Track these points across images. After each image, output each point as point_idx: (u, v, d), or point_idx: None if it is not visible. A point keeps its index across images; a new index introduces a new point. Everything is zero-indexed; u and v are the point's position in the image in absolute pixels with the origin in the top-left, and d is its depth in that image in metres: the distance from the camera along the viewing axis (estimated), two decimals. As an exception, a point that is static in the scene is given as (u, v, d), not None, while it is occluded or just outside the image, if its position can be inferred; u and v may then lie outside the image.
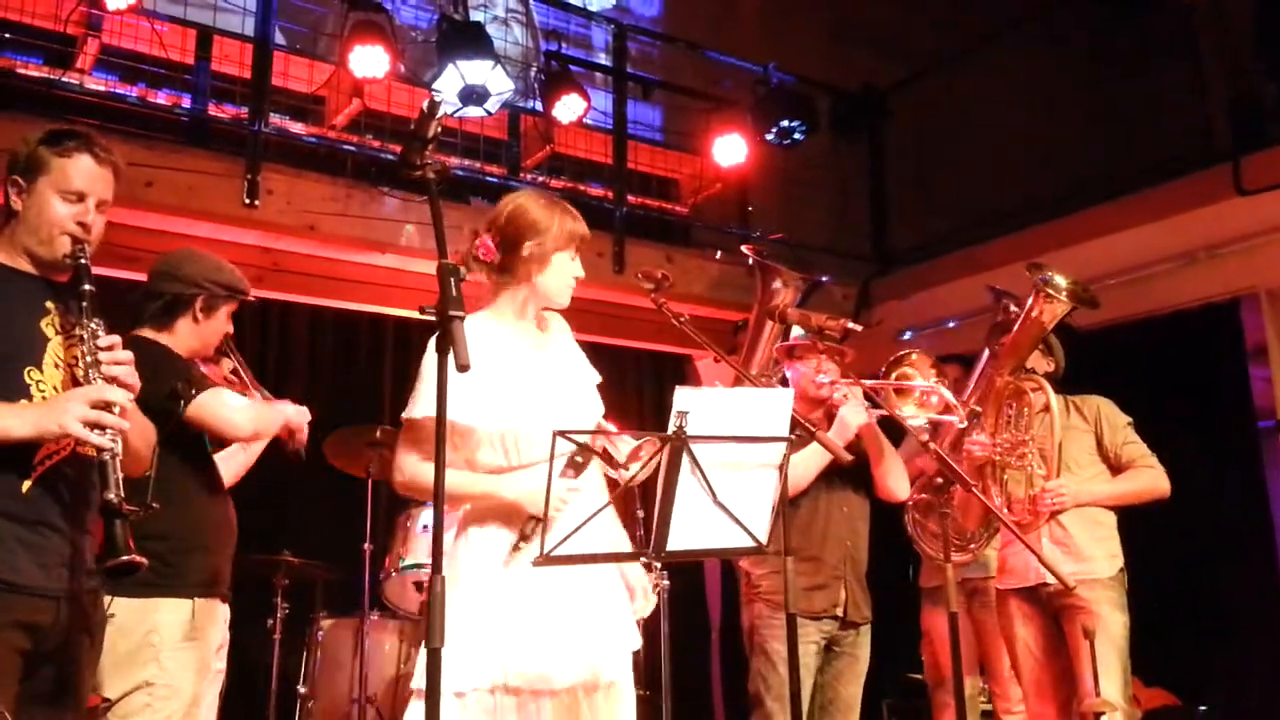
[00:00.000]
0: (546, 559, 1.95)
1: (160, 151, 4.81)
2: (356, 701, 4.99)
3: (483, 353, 2.17)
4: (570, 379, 2.58)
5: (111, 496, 2.14)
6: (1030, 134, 6.12)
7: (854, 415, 3.48)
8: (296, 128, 5.71)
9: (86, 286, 2.29)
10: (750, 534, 2.11)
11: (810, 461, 3.41)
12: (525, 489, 2.32)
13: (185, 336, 3.03)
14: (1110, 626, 3.66)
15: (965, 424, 3.86)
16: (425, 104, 1.97)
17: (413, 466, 2.45)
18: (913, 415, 3.67)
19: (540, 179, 6.46)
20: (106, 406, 2.15)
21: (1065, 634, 3.75)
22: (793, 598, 3.35)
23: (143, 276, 5.29)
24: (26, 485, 2.22)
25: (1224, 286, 5.02)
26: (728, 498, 2.07)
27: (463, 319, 1.77)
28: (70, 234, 2.31)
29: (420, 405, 2.42)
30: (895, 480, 3.68)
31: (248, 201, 4.93)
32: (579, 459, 2.30)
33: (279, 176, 5.07)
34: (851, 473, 3.60)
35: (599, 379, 2.67)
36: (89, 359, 2.23)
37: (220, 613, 2.99)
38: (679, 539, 2.05)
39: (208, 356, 3.17)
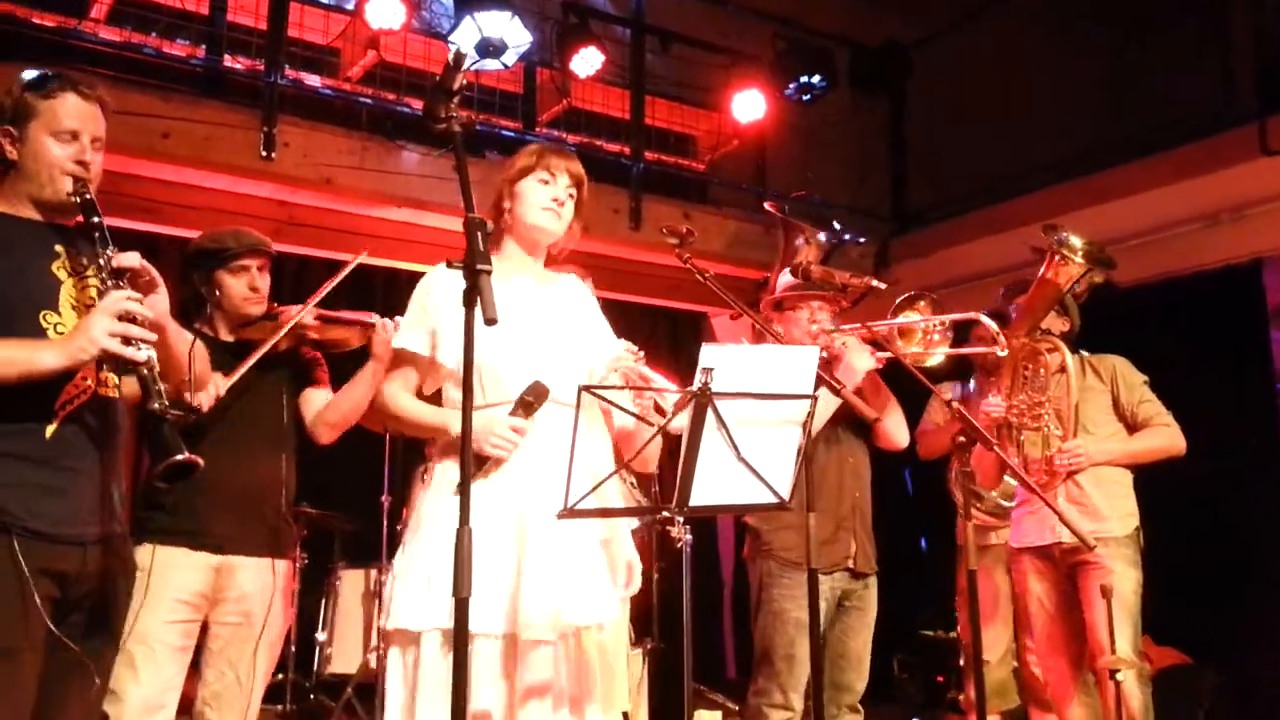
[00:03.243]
0: (571, 512, 1.96)
1: (176, 103, 4.79)
2: (375, 651, 5.06)
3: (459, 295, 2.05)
4: (558, 328, 2.52)
5: (155, 405, 2.14)
6: (1053, 93, 6.03)
7: (860, 360, 3.37)
8: (312, 80, 5.67)
9: (95, 219, 2.29)
10: (773, 490, 2.12)
11: (820, 412, 3.28)
12: (476, 426, 2.25)
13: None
14: (1123, 584, 3.68)
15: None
16: (450, 55, 1.95)
17: (398, 396, 2.51)
18: (919, 354, 3.56)
19: (556, 134, 6.42)
20: (130, 317, 2.15)
21: (1079, 590, 3.77)
22: (812, 553, 3.37)
23: (160, 229, 5.37)
24: (50, 430, 2.23)
25: (1246, 248, 4.97)
26: (751, 454, 2.07)
27: (489, 273, 1.77)
28: (70, 174, 2.31)
29: (400, 334, 2.52)
30: (896, 429, 3.65)
31: (264, 154, 4.92)
32: (530, 399, 2.31)
33: (295, 129, 5.05)
34: (854, 423, 3.57)
35: (610, 339, 2.62)
36: (109, 281, 2.23)
37: (187, 560, 2.91)
38: (701, 494, 2.06)
39: (249, 318, 3.12)
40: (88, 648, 2.29)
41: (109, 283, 2.23)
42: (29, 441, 2.21)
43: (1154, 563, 3.80)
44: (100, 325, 2.13)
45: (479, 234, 1.78)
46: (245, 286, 3.10)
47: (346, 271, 3.21)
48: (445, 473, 2.39)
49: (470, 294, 1.76)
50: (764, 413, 2.07)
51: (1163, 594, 3.83)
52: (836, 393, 2.42)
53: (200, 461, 2.15)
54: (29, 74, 2.36)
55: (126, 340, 2.14)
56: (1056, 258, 3.88)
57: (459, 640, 1.75)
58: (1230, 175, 5.00)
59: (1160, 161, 5.25)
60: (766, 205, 4.92)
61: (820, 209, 5.83)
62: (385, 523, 5.15)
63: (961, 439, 2.87)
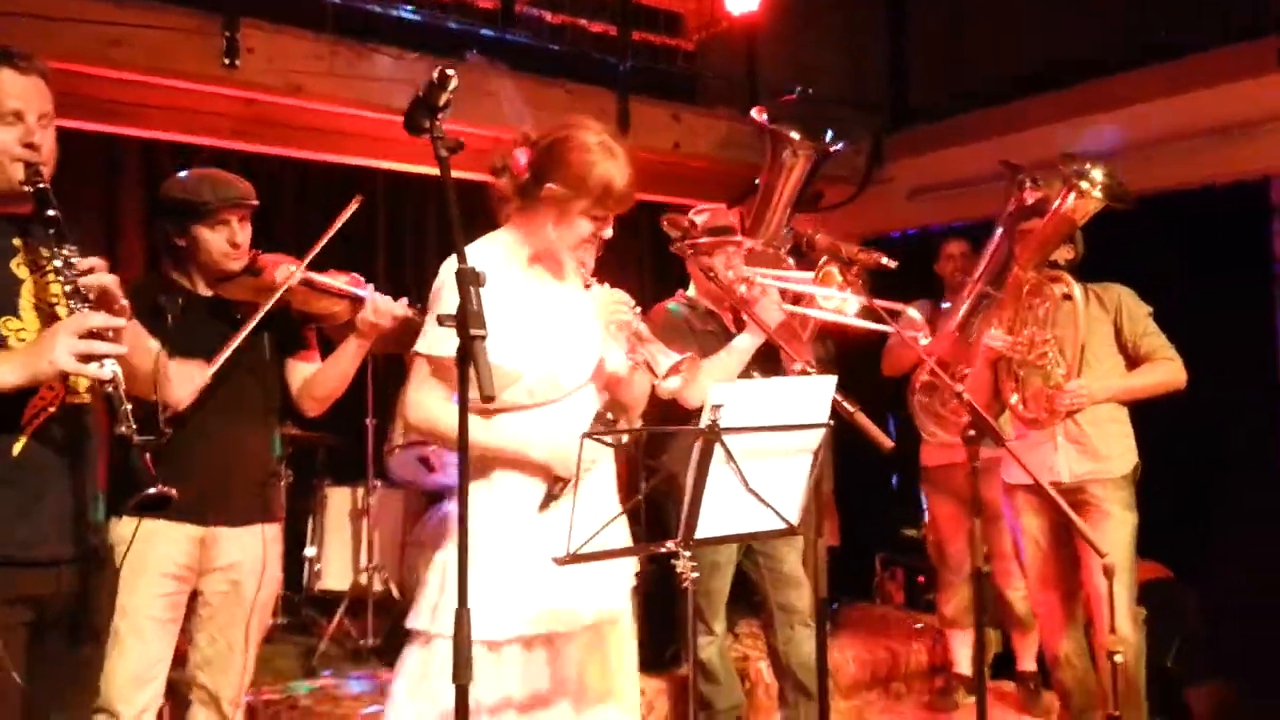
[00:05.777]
0: (573, 557, 1.87)
1: (127, 8, 4.41)
2: (365, 570, 5.07)
3: (494, 283, 2.00)
4: (574, 318, 2.41)
5: (123, 430, 2.02)
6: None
7: (770, 313, 3.48)
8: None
9: (51, 213, 2.12)
10: (781, 517, 2.03)
11: (729, 366, 3.53)
12: (554, 451, 2.22)
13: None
14: (1120, 531, 3.69)
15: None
16: (435, 73, 1.74)
17: (434, 407, 2.28)
18: (826, 296, 3.56)
19: (536, 13, 6.06)
20: (96, 334, 2.02)
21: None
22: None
23: (120, 129, 5.06)
24: (17, 447, 2.12)
25: (1257, 164, 4.76)
26: (760, 484, 1.98)
27: (485, 338, 1.59)
28: (20, 159, 2.13)
29: (430, 339, 2.28)
30: None
31: (226, 62, 4.58)
32: (610, 416, 2.23)
33: (258, 33, 4.68)
34: (772, 369, 3.65)
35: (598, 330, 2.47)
36: (68, 288, 2.08)
37: (170, 532, 2.82)
38: (708, 526, 1.98)
39: (228, 273, 2.92)
40: (71, 656, 2.24)
41: (68, 291, 2.08)
42: None
43: (1149, 481, 3.79)
44: (63, 345, 1.99)
45: (472, 290, 1.59)
46: (225, 242, 2.89)
47: (340, 222, 2.98)
48: (517, 487, 2.29)
49: (463, 364, 1.59)
50: (775, 443, 1.96)
51: (1150, 509, 3.80)
52: (852, 419, 2.29)
53: (174, 494, 2.04)
54: None
55: (89, 358, 2.00)
56: (1074, 191, 3.71)
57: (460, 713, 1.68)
58: (1245, 88, 4.72)
59: (1173, 69, 4.96)
60: (753, 113, 4.67)
61: (814, 104, 5.55)
62: (370, 444, 5.09)
63: (971, 432, 2.78)
